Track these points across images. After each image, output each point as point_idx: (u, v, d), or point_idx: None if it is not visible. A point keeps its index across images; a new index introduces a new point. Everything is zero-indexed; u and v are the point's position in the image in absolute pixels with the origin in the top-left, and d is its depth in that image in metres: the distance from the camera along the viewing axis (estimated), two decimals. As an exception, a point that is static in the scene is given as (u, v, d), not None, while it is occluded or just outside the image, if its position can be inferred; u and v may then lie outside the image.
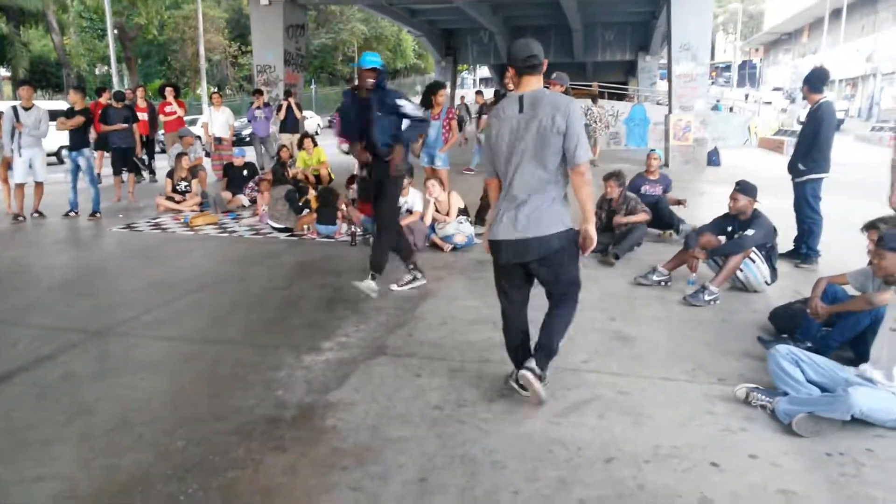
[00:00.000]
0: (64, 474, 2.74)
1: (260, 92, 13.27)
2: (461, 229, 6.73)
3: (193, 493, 2.59)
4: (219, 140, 11.89)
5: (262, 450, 2.91)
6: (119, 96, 10.94)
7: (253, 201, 9.13)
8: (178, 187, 9.48)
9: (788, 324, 4.18)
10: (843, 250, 5.66)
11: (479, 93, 15.83)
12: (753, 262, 5.11)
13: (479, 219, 7.27)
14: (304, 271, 6.12)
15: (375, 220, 5.24)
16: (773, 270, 5.21)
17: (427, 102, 7.47)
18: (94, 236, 7.86)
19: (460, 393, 3.46)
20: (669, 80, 14.98)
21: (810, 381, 3.25)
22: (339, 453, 2.88)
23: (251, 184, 9.45)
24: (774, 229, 5.24)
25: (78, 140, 8.75)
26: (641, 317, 4.70)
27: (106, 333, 4.43)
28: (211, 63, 37.61)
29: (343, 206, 7.32)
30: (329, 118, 24.54)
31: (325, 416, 3.22)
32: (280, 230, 7.74)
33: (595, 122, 14.74)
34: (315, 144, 10.45)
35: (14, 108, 8.33)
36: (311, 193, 8.03)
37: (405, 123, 4.94)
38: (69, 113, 8.74)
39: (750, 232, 5.05)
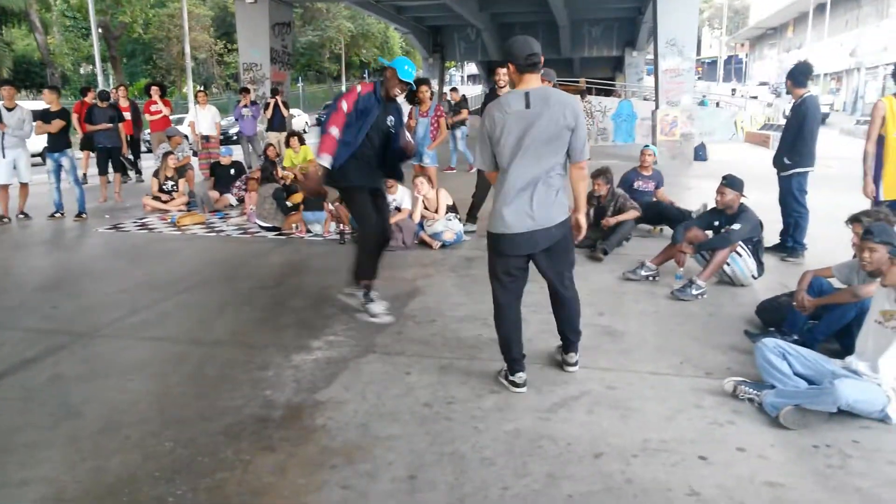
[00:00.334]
0: (50, 477, 2.71)
1: (246, 90, 13.20)
2: (450, 226, 6.72)
3: (182, 495, 2.58)
4: (206, 138, 11.82)
5: (251, 450, 2.90)
6: (104, 96, 10.85)
7: (240, 200, 9.09)
8: (164, 187, 9.42)
9: (775, 317, 4.21)
10: (829, 244, 5.71)
11: (454, 89, 15.84)
12: (740, 256, 5.14)
13: (471, 216, 7.27)
14: (292, 270, 6.10)
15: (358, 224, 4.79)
16: (760, 264, 5.24)
17: (411, 99, 7.49)
18: (81, 237, 7.80)
19: (449, 390, 3.46)
20: (656, 76, 15.03)
21: (797, 374, 3.27)
22: (328, 452, 2.88)
23: (238, 183, 9.40)
24: (761, 223, 5.27)
25: (59, 141, 8.65)
26: (629, 311, 4.72)
27: (93, 335, 4.40)
28: (197, 61, 37.41)
29: (330, 205, 7.29)
30: (318, 115, 24.07)
31: (314, 415, 3.22)
32: (268, 229, 7.71)
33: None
34: (302, 143, 10.41)
35: (-4, 108, 8.23)
36: (299, 194, 7.98)
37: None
38: (45, 114, 8.57)
39: (736, 226, 5.08)
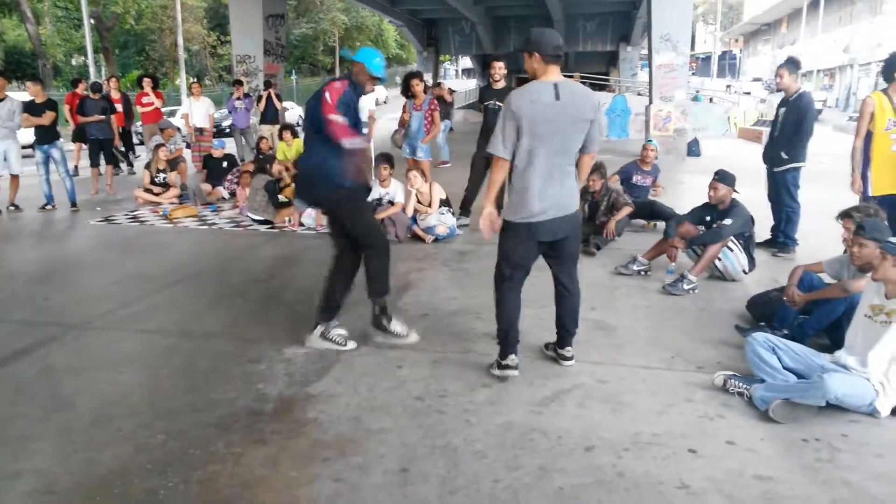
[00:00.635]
0: (42, 469, 2.71)
1: (240, 83, 13.13)
2: (443, 220, 6.72)
3: (174, 487, 2.58)
4: (200, 131, 11.76)
5: (243, 443, 2.90)
6: (96, 87, 10.78)
7: (233, 193, 9.05)
8: (156, 179, 9.38)
9: (766, 312, 4.23)
10: (820, 239, 5.73)
11: (438, 84, 15.91)
12: (731, 251, 5.17)
13: (464, 210, 7.27)
14: (285, 263, 6.09)
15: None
16: (751, 259, 5.26)
17: (406, 92, 7.54)
18: (72, 229, 7.76)
19: (441, 383, 3.46)
20: (650, 71, 15.04)
21: (787, 368, 3.30)
22: (320, 445, 2.88)
23: (230, 176, 9.36)
24: (752, 218, 5.29)
25: (47, 133, 8.58)
26: (621, 306, 4.74)
27: (84, 327, 4.38)
28: (190, 53, 37.22)
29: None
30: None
31: (306, 408, 3.22)
32: (260, 222, 7.69)
33: None
34: (295, 136, 10.35)
35: (-14, 99, 8.16)
36: (292, 187, 7.95)
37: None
38: (31, 106, 8.46)
39: (728, 221, 5.10)
